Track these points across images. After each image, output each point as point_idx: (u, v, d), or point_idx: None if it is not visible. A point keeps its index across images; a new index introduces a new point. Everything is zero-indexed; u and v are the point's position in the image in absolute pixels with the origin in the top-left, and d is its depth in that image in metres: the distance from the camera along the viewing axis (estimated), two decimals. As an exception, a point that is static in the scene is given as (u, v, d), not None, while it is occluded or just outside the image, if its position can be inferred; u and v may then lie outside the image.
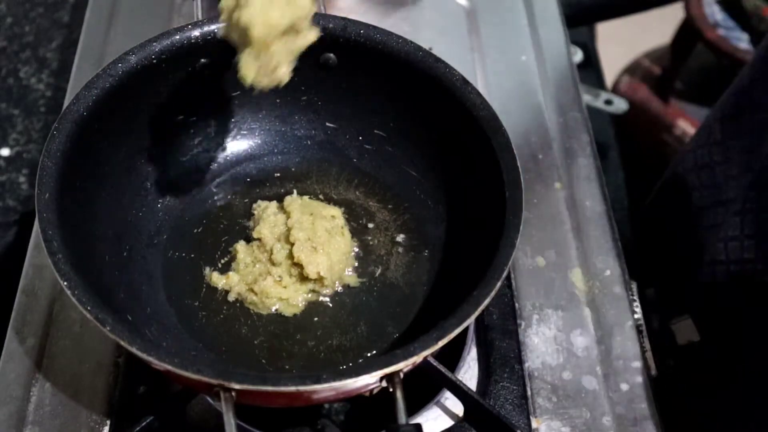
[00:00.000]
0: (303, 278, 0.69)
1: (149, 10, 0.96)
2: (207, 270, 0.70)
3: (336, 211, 0.73)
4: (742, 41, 1.44)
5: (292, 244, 0.69)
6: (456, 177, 0.71)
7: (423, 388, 0.68)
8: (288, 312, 0.68)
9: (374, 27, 0.70)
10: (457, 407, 0.68)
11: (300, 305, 0.69)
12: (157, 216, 0.72)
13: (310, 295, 0.70)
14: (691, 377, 0.84)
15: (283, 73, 0.58)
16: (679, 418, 0.74)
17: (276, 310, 0.68)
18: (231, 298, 0.69)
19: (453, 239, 0.71)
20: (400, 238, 0.74)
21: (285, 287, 0.68)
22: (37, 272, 0.73)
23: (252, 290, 0.69)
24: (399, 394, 0.54)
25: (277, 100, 0.76)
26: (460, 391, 0.65)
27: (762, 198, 0.76)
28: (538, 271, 0.76)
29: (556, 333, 0.72)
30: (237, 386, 0.51)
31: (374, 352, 0.67)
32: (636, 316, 0.74)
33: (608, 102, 1.04)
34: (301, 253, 0.68)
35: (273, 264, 0.69)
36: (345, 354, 0.67)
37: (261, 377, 0.52)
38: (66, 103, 0.77)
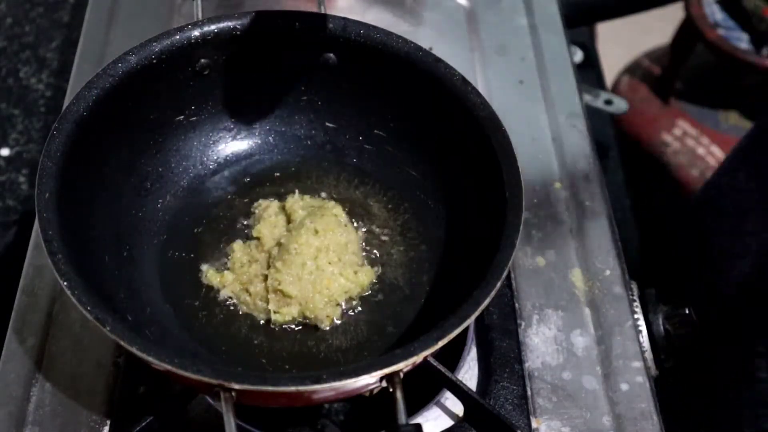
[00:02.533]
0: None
1: (149, 10, 0.96)
2: (204, 268, 0.70)
3: (338, 209, 0.73)
4: (742, 41, 1.44)
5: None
6: (456, 177, 0.71)
7: (423, 388, 0.68)
8: (281, 319, 0.68)
9: (374, 27, 0.70)
10: (457, 407, 0.68)
11: (294, 313, 0.68)
12: (157, 216, 0.72)
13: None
14: (691, 377, 0.84)
15: None
16: (679, 418, 0.74)
17: (268, 314, 0.68)
18: (221, 296, 0.69)
19: (453, 239, 0.71)
20: (400, 238, 0.74)
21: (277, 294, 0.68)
22: (37, 272, 0.73)
23: (247, 290, 0.69)
24: (399, 394, 0.54)
25: (278, 101, 0.76)
26: (460, 391, 0.65)
27: None
28: (538, 271, 0.76)
29: (556, 333, 0.72)
30: (237, 386, 0.51)
31: (374, 352, 0.67)
32: (636, 316, 0.74)
33: (608, 102, 1.04)
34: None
35: (270, 267, 0.69)
36: (345, 354, 0.67)
37: (261, 377, 0.52)
38: (66, 103, 0.77)
